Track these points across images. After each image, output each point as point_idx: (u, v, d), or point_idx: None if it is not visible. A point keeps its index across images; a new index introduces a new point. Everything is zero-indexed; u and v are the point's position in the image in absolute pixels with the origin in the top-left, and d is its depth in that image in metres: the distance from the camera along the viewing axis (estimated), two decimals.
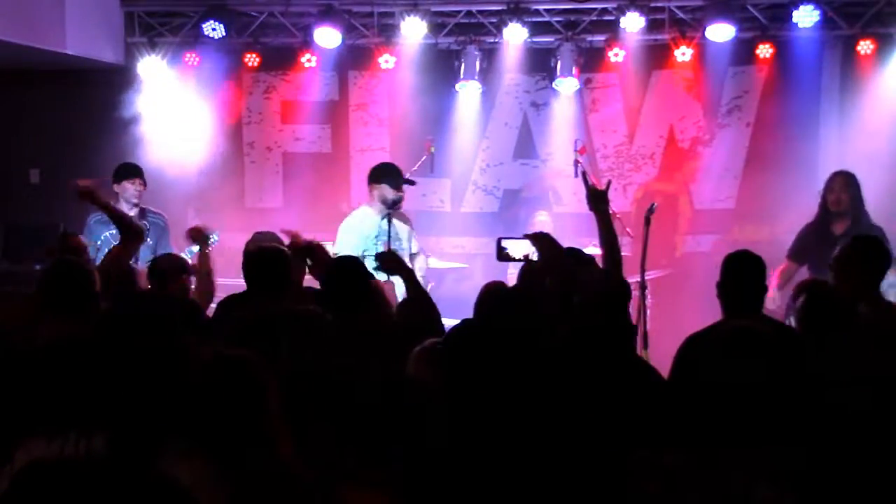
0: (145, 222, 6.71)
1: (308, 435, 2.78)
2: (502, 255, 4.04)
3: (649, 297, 6.37)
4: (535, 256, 4.05)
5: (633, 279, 6.94)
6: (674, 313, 7.17)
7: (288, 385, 3.03)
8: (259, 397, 2.70)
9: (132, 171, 6.83)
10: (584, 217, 8.88)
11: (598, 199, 4.36)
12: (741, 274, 4.20)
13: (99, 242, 6.63)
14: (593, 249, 7.95)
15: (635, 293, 6.24)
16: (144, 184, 6.89)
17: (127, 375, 3.09)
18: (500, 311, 3.49)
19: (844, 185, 6.30)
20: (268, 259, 4.57)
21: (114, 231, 6.63)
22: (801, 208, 6.87)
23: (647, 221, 6.19)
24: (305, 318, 3.80)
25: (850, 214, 6.26)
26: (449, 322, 7.53)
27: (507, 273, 6.98)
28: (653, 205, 6.30)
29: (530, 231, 4.34)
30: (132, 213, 6.70)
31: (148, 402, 2.94)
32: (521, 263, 4.26)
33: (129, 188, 6.73)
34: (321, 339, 3.62)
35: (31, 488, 2.00)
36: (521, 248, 4.02)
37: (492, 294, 3.90)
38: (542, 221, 8.20)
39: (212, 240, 5.78)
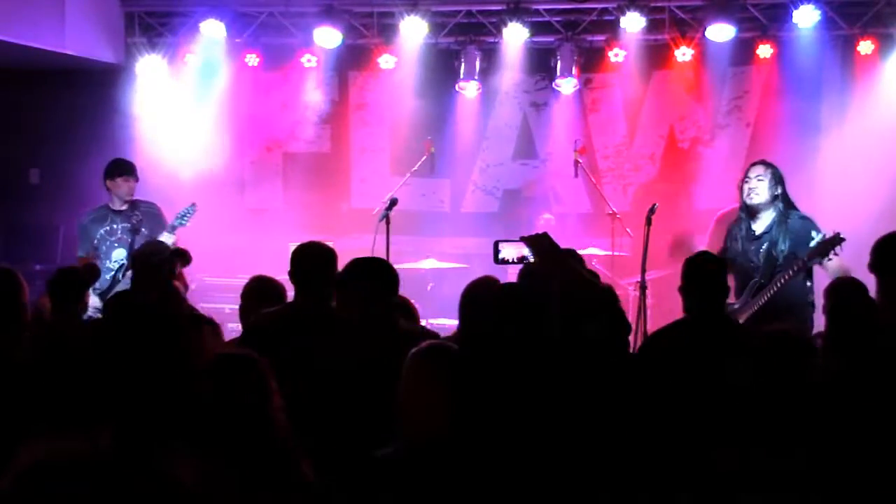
0: (137, 213, 6.70)
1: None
2: (498, 259, 4.00)
3: (649, 297, 6.35)
4: (531, 258, 3.98)
5: (633, 279, 6.98)
6: (674, 313, 7.16)
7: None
8: (264, 396, 2.71)
9: (126, 169, 6.79)
10: (584, 217, 8.98)
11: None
12: (704, 276, 4.23)
13: (95, 241, 6.64)
14: (593, 250, 8.01)
15: (636, 293, 6.24)
16: (137, 179, 6.87)
17: (130, 374, 3.09)
18: (511, 316, 3.43)
19: (761, 175, 5.77)
20: (316, 256, 4.32)
21: (108, 228, 6.66)
22: (801, 208, 6.86)
23: (648, 222, 6.18)
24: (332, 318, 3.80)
25: (771, 207, 5.76)
26: (449, 322, 7.55)
27: (506, 273, 6.97)
28: (654, 205, 6.28)
29: (534, 231, 4.29)
30: (124, 207, 6.71)
31: (150, 401, 2.94)
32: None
33: (123, 186, 6.70)
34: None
35: (34, 488, 2.00)
36: (518, 251, 3.97)
37: (494, 296, 3.86)
38: (547, 219, 8.21)
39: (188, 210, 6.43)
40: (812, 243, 5.55)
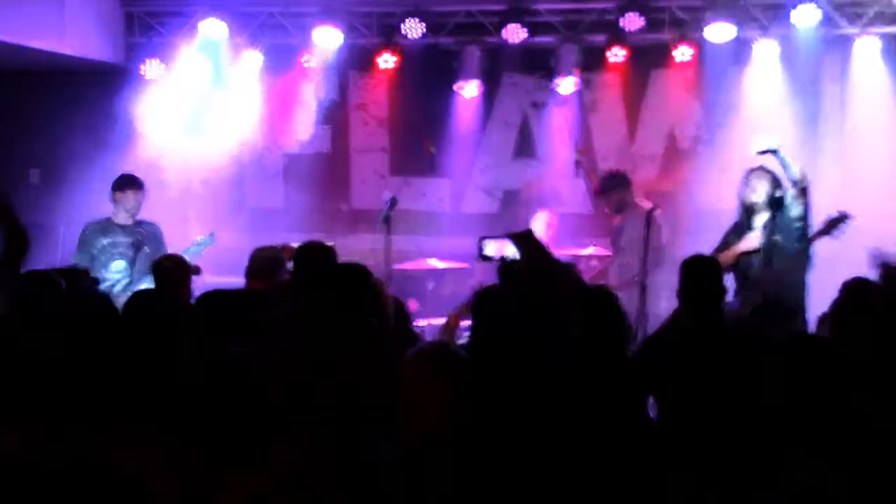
0: (141, 230, 6.70)
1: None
2: (481, 256, 3.96)
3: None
4: (515, 256, 3.90)
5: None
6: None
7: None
8: (262, 396, 2.71)
9: (136, 183, 6.77)
10: (585, 217, 8.97)
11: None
12: (701, 277, 4.22)
13: (95, 251, 6.60)
14: (593, 250, 8.01)
15: (636, 293, 6.24)
16: (144, 192, 6.86)
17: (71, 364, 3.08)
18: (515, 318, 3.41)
19: (757, 178, 6.10)
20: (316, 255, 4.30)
21: (111, 240, 6.63)
22: None
23: (649, 222, 6.19)
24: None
25: (766, 209, 6.08)
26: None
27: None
28: (655, 206, 6.30)
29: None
30: (128, 223, 6.70)
31: (91, 392, 2.93)
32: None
33: (132, 198, 6.68)
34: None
35: None
36: (502, 248, 3.92)
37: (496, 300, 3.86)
38: (540, 218, 8.21)
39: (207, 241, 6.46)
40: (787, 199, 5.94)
